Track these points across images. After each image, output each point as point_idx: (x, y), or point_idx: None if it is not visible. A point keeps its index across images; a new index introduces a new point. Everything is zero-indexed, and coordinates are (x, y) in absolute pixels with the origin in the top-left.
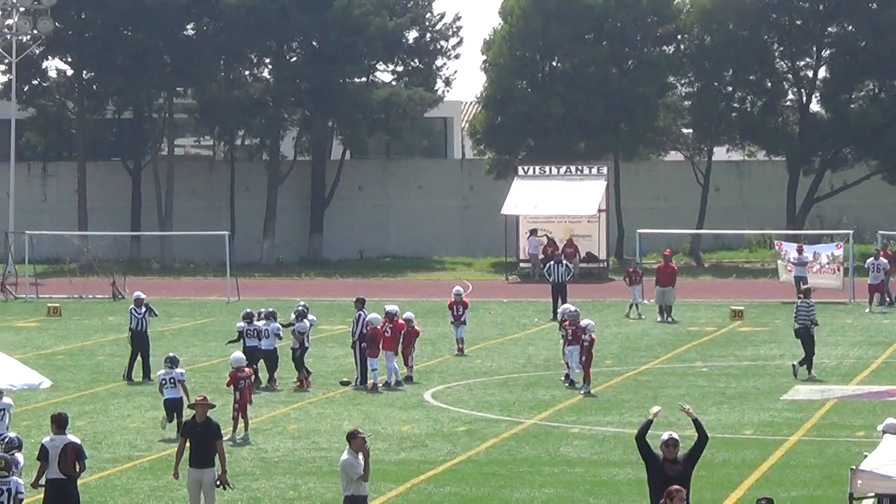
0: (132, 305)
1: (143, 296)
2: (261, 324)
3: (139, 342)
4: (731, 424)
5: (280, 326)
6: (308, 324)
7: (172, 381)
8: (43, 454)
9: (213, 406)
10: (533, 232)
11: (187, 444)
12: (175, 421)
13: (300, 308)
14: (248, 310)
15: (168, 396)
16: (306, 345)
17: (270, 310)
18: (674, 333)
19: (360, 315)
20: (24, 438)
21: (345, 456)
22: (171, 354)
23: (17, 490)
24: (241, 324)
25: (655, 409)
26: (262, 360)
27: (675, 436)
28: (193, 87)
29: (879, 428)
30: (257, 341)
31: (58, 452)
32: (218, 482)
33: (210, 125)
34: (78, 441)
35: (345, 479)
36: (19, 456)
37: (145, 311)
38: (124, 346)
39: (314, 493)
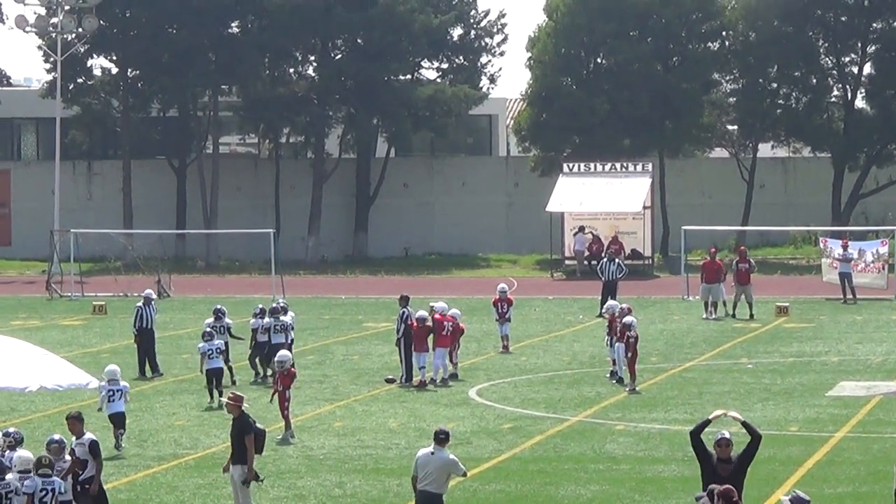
0: (140, 304)
1: (153, 295)
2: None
3: (147, 339)
4: (777, 421)
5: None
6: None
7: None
8: (96, 451)
9: (241, 401)
10: (580, 229)
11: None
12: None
13: (261, 307)
14: (261, 306)
15: (210, 366)
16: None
17: (274, 306)
18: (719, 330)
19: (403, 312)
20: (69, 437)
21: (450, 456)
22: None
23: (59, 490)
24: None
25: (718, 412)
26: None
27: (728, 435)
28: (238, 85)
29: None
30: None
31: (87, 449)
32: (244, 480)
33: (255, 123)
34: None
35: (442, 472)
36: (25, 452)
37: (152, 309)
38: (168, 344)
39: (360, 491)
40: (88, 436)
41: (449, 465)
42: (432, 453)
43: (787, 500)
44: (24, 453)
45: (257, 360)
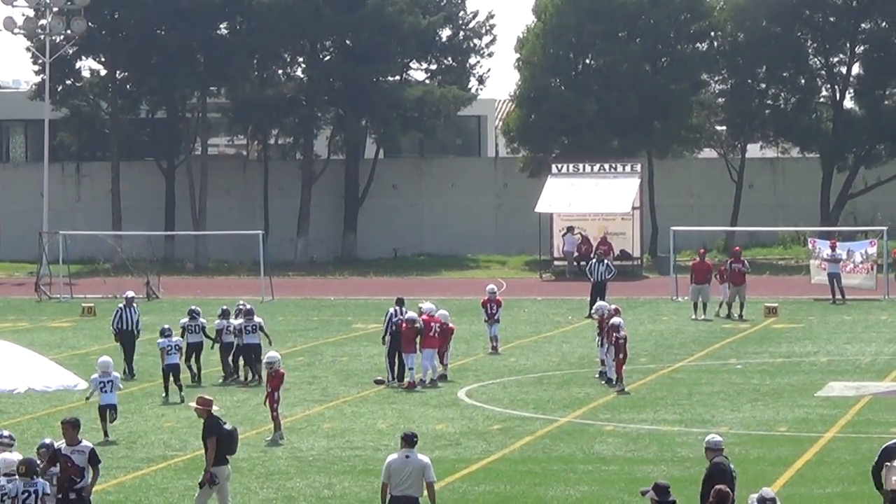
0: (121, 305)
1: (134, 296)
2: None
3: (127, 341)
4: (766, 421)
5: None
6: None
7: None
8: (96, 460)
9: (209, 405)
10: (569, 230)
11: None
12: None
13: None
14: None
15: (168, 362)
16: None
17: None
18: (708, 331)
19: (388, 312)
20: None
21: (424, 458)
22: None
23: (43, 492)
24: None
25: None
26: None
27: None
28: (227, 87)
29: None
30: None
31: (87, 458)
32: (200, 482)
33: (243, 124)
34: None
35: (412, 479)
36: (12, 455)
37: (134, 311)
38: (157, 346)
39: (349, 492)
40: (86, 444)
41: (425, 468)
42: (407, 457)
43: (754, 498)
44: (10, 456)
45: (230, 360)
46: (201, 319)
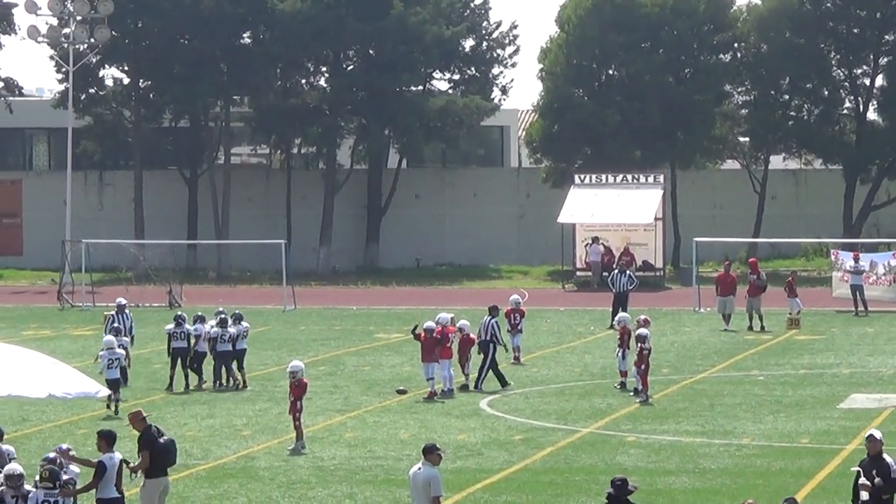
0: (113, 312)
1: (123, 301)
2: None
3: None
4: (788, 433)
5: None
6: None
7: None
8: (100, 471)
9: (140, 415)
10: (594, 240)
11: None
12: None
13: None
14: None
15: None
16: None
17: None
18: (730, 342)
19: (483, 320)
20: (80, 448)
21: (431, 470)
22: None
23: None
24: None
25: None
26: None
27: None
28: (250, 96)
29: None
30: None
31: (115, 471)
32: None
33: (266, 134)
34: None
35: (422, 492)
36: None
37: (126, 317)
38: None
39: (371, 502)
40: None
41: (430, 480)
42: (419, 469)
43: None
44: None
45: (221, 368)
46: (187, 326)
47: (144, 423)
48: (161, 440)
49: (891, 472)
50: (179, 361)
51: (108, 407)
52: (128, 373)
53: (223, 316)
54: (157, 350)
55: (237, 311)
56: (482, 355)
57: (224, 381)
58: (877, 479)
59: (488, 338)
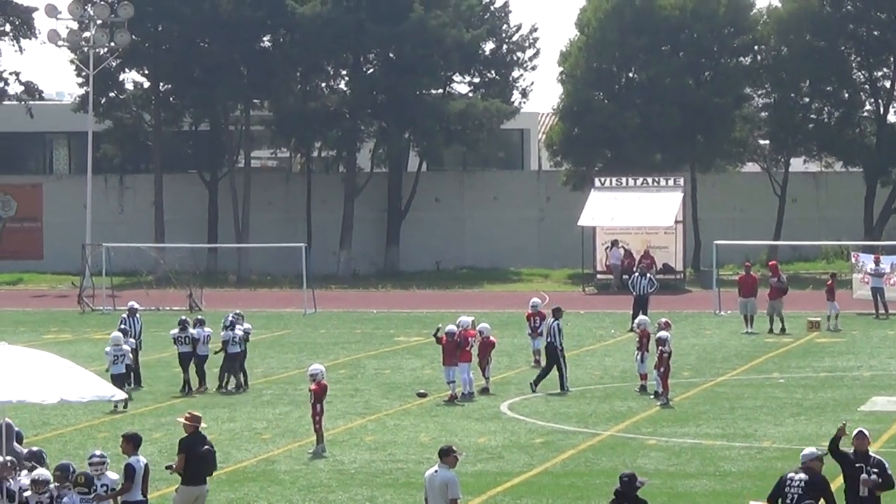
0: (125, 315)
1: (136, 305)
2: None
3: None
4: (809, 436)
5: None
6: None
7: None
8: (130, 475)
9: (198, 420)
10: (614, 243)
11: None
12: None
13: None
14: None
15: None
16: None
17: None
18: (751, 344)
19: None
20: (103, 450)
21: (448, 473)
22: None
23: None
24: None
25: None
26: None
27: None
28: (270, 99)
29: None
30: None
31: (142, 473)
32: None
33: (286, 137)
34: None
35: (438, 495)
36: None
37: (136, 321)
38: None
39: None
40: (139, 458)
41: (447, 482)
42: (436, 472)
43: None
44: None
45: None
46: (191, 330)
47: (195, 429)
48: (202, 448)
49: (887, 469)
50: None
51: (116, 407)
52: (141, 376)
53: (232, 318)
54: (177, 354)
55: (238, 312)
56: (547, 358)
57: (225, 383)
58: (873, 476)
59: (554, 340)
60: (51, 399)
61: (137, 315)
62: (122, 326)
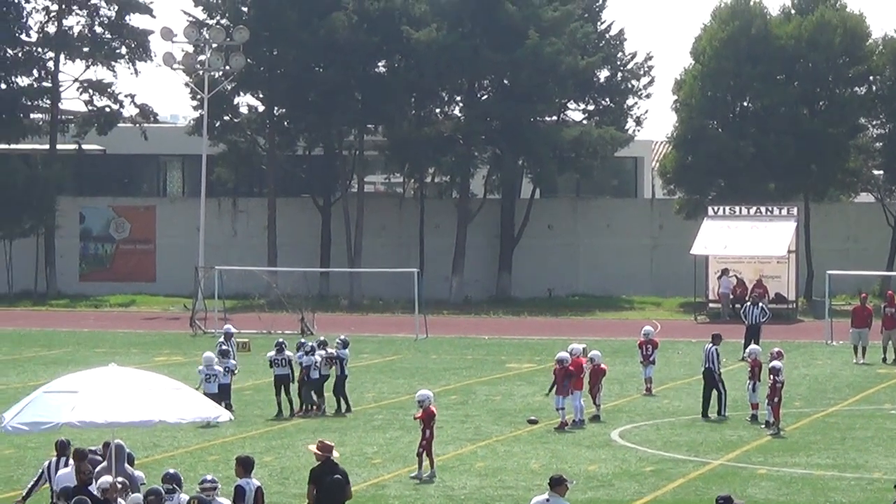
0: (221, 339)
1: (233, 330)
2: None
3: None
4: None
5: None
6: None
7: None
8: (240, 496)
9: (329, 450)
10: (724, 272)
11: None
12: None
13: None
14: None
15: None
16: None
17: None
18: (863, 375)
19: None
20: (212, 474)
21: (560, 501)
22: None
23: None
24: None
25: None
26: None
27: None
28: (384, 124)
29: None
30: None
31: (252, 496)
32: None
33: (400, 162)
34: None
35: None
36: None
37: (231, 344)
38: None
39: None
40: (250, 481)
41: None
42: (547, 500)
43: None
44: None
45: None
46: (288, 353)
47: (326, 458)
48: (330, 478)
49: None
50: (283, 389)
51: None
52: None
53: (313, 344)
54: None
55: (343, 337)
56: (704, 382)
57: (309, 407)
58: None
59: (712, 366)
60: (152, 420)
61: (233, 339)
62: (224, 348)
